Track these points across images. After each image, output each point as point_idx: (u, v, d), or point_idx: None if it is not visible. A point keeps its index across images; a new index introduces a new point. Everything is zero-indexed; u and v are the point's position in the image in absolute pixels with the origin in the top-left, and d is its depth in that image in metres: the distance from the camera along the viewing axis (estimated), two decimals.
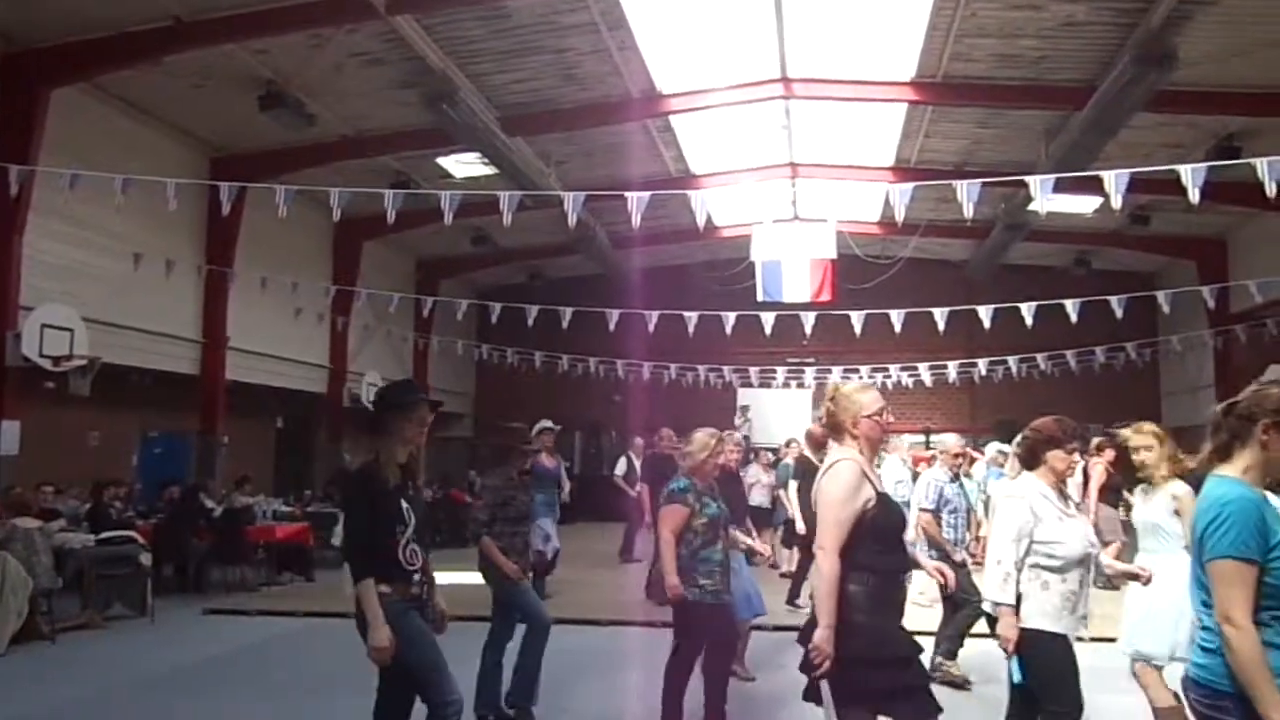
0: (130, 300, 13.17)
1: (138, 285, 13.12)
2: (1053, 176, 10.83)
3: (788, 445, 12.72)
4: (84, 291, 12.25)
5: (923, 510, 7.21)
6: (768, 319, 16.25)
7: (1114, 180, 9.68)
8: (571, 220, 11.90)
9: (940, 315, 15.66)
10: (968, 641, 7.23)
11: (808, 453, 9.97)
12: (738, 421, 19.12)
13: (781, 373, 21.00)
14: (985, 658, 7.26)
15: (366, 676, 5.87)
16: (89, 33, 11.04)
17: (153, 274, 13.06)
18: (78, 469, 12.63)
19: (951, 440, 8.73)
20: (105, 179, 10.08)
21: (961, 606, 7.06)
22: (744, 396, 21.66)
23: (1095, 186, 10.49)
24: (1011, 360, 19.13)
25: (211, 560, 12.12)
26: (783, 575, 11.37)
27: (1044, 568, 4.15)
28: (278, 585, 12.20)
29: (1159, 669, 5.10)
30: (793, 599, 9.80)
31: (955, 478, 7.60)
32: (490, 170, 15.35)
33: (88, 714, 6.63)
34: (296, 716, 6.39)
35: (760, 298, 17.50)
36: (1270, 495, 2.90)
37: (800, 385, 21.49)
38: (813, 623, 3.61)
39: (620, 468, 14.84)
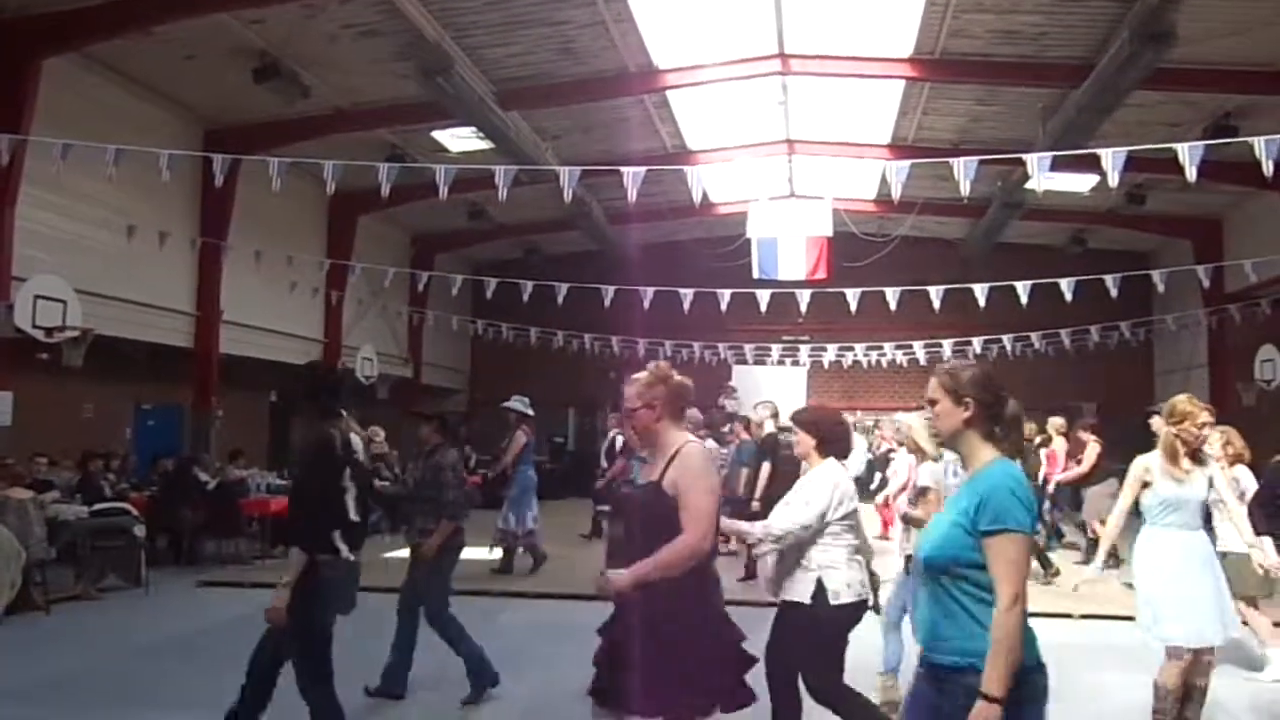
0: (124, 272, 13.11)
1: (131, 257, 13.06)
2: (1050, 154, 10.80)
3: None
4: (77, 263, 12.17)
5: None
6: (763, 296, 16.22)
7: (1111, 158, 9.66)
8: (567, 195, 11.86)
9: (936, 293, 15.65)
10: None
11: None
12: (723, 401, 19.12)
13: (776, 350, 21.00)
14: None
15: (355, 649, 5.94)
16: (82, 1, 10.91)
17: (146, 246, 12.99)
18: (71, 441, 12.62)
19: None
20: (97, 150, 10.00)
21: None
22: (738, 374, 21.66)
23: (1092, 164, 10.47)
24: (1006, 339, 19.14)
25: (205, 533, 12.15)
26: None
27: None
28: (271, 558, 12.22)
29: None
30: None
31: None
32: (486, 145, 15.26)
33: (81, 684, 6.65)
34: (290, 690, 6.41)
35: (756, 275, 17.48)
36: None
37: (795, 363, 21.51)
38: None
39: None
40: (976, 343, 19.38)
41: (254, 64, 12.35)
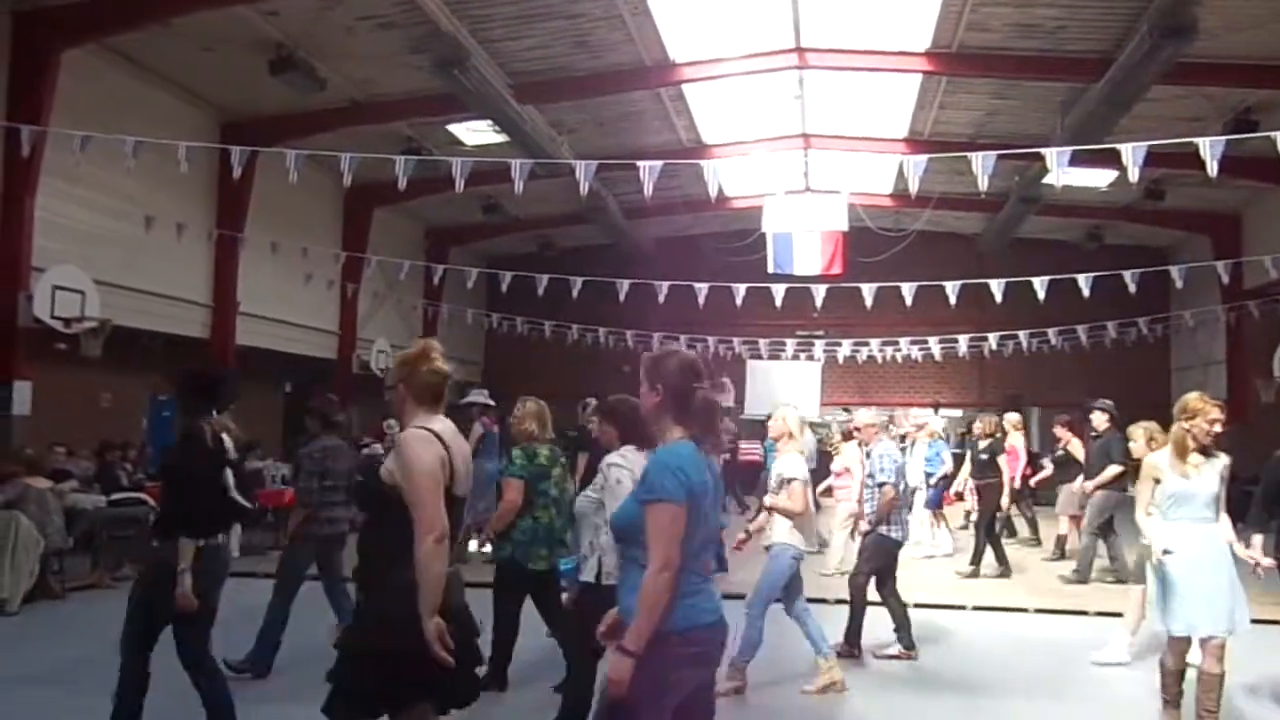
0: (141, 263, 13.19)
1: (149, 248, 13.13)
2: (1069, 149, 10.72)
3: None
4: (95, 254, 12.25)
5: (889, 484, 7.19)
6: (778, 291, 16.19)
7: (1131, 153, 9.59)
8: (583, 189, 11.85)
9: (951, 289, 15.59)
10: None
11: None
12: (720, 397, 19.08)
13: (791, 345, 20.97)
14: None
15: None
16: None
17: (164, 237, 13.06)
18: (89, 430, 12.69)
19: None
20: (116, 141, 10.07)
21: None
22: (753, 369, 21.67)
23: (1111, 159, 10.40)
24: (1022, 335, 19.06)
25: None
26: None
27: None
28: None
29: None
30: None
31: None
32: (501, 138, 15.25)
33: (97, 671, 6.66)
34: (304, 679, 6.44)
35: (771, 269, 17.44)
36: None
37: (810, 358, 21.47)
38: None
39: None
40: (992, 338, 19.32)
41: (270, 56, 12.36)
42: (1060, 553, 11.83)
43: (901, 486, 7.32)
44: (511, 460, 6.12)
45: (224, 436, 4.91)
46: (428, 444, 3.42)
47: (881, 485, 7.12)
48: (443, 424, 3.55)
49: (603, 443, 5.25)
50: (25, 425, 11.08)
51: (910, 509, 13.04)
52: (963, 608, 9.19)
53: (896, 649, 7.18)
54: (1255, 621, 6.55)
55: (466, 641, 3.52)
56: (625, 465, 4.70)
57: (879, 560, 7.18)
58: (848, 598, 7.30)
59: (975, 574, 10.69)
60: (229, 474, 4.91)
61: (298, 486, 6.94)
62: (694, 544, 3.04)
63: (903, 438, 12.70)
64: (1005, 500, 11.06)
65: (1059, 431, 12.26)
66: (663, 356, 3.25)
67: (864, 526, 7.38)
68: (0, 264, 11.07)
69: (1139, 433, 7.35)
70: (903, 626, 7.19)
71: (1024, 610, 9.14)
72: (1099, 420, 10.55)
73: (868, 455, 7.71)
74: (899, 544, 7.26)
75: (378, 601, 3.40)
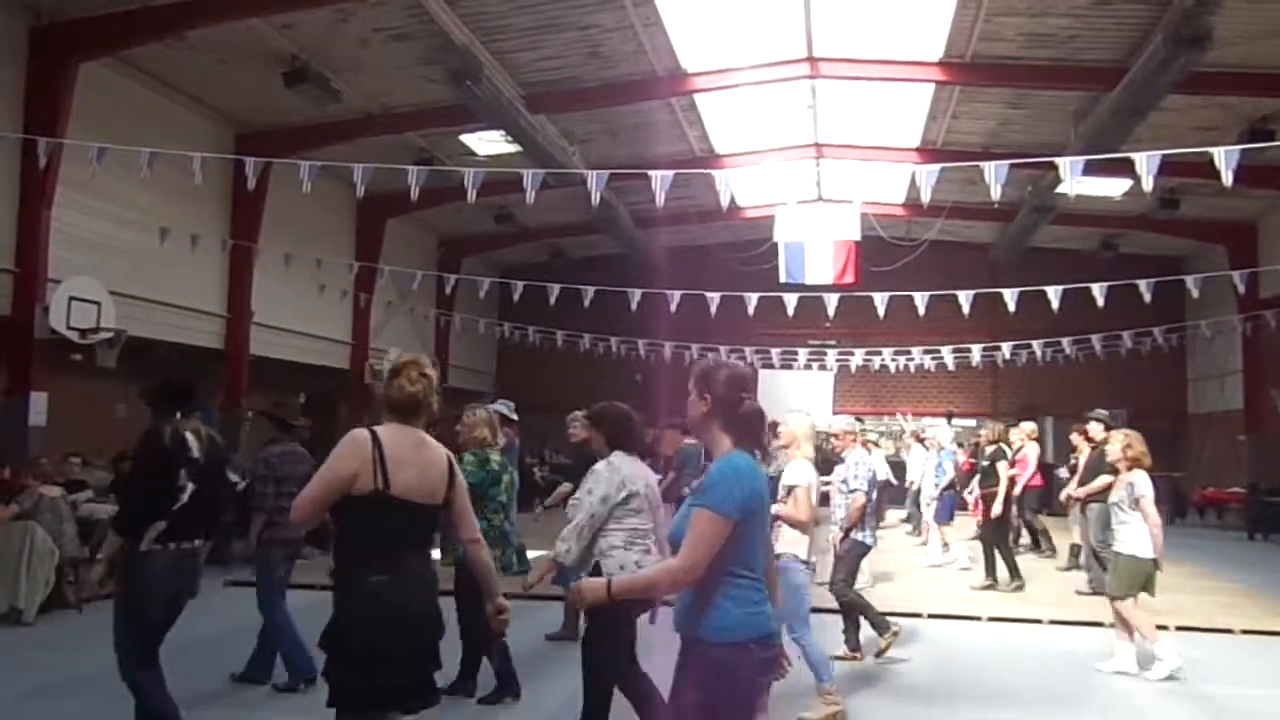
0: (156, 274, 13.26)
1: (164, 259, 13.20)
2: (1083, 159, 10.67)
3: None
4: (110, 265, 12.33)
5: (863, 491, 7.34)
6: (790, 300, 16.15)
7: (1145, 162, 9.53)
8: (594, 199, 11.85)
9: (965, 298, 15.51)
10: None
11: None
12: None
13: (803, 354, 20.92)
14: None
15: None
16: (116, 6, 11.07)
17: (178, 248, 13.12)
18: (104, 440, 12.73)
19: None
20: (132, 153, 10.12)
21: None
22: (765, 378, 21.60)
23: (1125, 169, 10.35)
24: (1036, 344, 18.94)
25: (234, 533, 12.20)
26: None
27: None
28: (299, 559, 12.25)
29: None
30: None
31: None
32: (513, 148, 15.32)
33: (113, 681, 6.69)
34: (310, 687, 6.45)
35: (783, 279, 17.40)
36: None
37: (822, 367, 21.41)
38: None
39: None
40: (1006, 348, 19.20)
41: (285, 68, 12.46)
42: (1076, 562, 11.75)
43: (874, 495, 7.46)
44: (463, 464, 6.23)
45: (188, 437, 4.99)
46: (350, 441, 3.56)
47: (853, 492, 7.29)
48: (396, 431, 3.66)
49: (594, 449, 5.30)
50: (41, 436, 11.14)
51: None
52: (978, 618, 9.15)
53: (843, 650, 7.36)
54: None
55: (425, 646, 3.59)
56: (605, 474, 4.83)
57: (852, 564, 7.43)
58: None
59: (992, 586, 10.57)
60: (184, 474, 4.91)
61: (254, 491, 6.95)
62: (755, 555, 3.10)
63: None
64: (998, 508, 10.78)
65: (1076, 439, 12.16)
66: (713, 368, 3.32)
67: (838, 533, 7.45)
68: (17, 275, 11.17)
69: (1118, 440, 7.50)
70: (851, 629, 7.42)
71: (1039, 621, 9.07)
72: (1095, 430, 10.59)
73: (841, 463, 7.79)
74: (869, 547, 7.47)
75: (338, 603, 3.54)
